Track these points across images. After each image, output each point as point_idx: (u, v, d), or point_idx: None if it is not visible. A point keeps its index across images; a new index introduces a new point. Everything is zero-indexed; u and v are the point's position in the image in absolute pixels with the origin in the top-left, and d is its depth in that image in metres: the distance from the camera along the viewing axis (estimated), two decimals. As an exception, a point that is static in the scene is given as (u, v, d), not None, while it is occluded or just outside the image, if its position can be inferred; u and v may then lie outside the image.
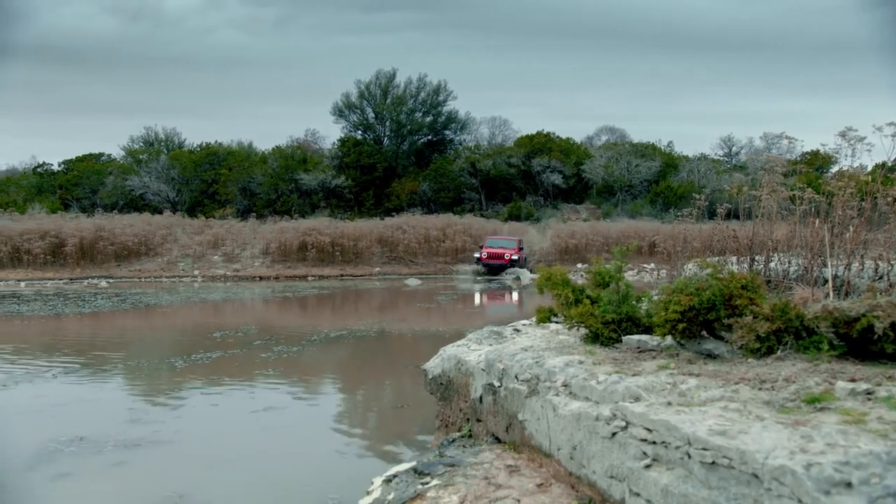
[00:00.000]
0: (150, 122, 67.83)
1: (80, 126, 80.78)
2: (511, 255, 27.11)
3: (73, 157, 44.39)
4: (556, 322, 4.45)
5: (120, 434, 4.75)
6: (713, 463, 1.86)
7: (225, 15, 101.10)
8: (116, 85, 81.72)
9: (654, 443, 2.15)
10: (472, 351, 4.14)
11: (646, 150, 40.02)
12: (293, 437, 4.86)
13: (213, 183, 38.65)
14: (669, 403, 2.29)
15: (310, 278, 24.89)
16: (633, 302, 3.68)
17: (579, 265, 24.18)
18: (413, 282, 23.10)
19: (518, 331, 4.44)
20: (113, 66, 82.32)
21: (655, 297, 3.64)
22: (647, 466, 2.13)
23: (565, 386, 2.87)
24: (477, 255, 27.48)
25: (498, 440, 3.41)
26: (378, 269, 26.58)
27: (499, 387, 3.39)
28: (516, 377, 3.24)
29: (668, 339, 3.19)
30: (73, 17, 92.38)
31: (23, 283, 21.90)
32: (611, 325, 3.53)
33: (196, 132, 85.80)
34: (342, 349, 9.65)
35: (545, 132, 42.18)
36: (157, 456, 4.35)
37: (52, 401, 5.93)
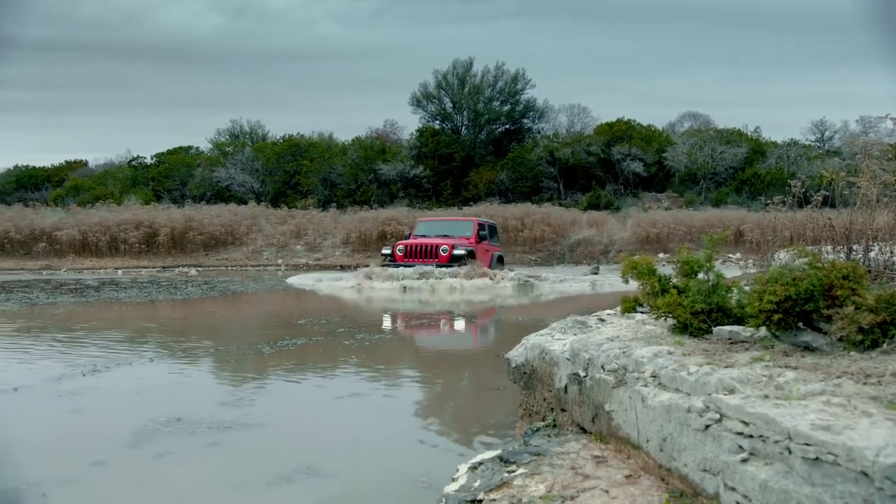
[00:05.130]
0: (236, 115, 70.12)
1: (171, 120, 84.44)
2: (455, 250, 15.68)
3: (164, 151, 46.35)
4: (642, 312, 4.37)
5: (213, 416, 4.94)
6: (816, 459, 1.79)
7: (325, 8, 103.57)
8: (211, 80, 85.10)
9: (750, 436, 2.08)
10: (555, 340, 4.11)
11: (731, 136, 38.72)
12: (378, 423, 4.94)
13: (295, 174, 39.63)
14: (766, 396, 2.22)
15: (389, 267, 25.22)
16: (723, 292, 3.58)
17: (661, 255, 23.68)
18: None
19: (603, 321, 4.39)
20: (211, 61, 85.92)
21: (747, 288, 3.53)
22: (744, 461, 2.07)
23: (654, 377, 2.82)
24: (388, 250, 16.96)
25: (583, 430, 3.38)
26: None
27: (584, 377, 3.36)
28: (602, 367, 3.20)
29: (762, 331, 3.08)
30: (182, 16, 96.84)
31: (120, 272, 23.05)
32: (700, 315, 3.43)
33: (279, 124, 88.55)
34: (422, 337, 9.75)
35: (625, 119, 41.42)
36: (251, 437, 4.51)
37: (150, 383, 6.22)
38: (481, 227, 17.66)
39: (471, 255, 15.99)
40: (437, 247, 15.81)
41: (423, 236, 17.01)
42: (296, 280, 18.58)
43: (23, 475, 3.70)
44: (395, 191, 37.33)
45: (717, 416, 2.27)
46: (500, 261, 18.41)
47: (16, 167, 51.00)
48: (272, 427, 4.78)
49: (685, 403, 2.47)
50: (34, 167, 50.36)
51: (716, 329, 3.31)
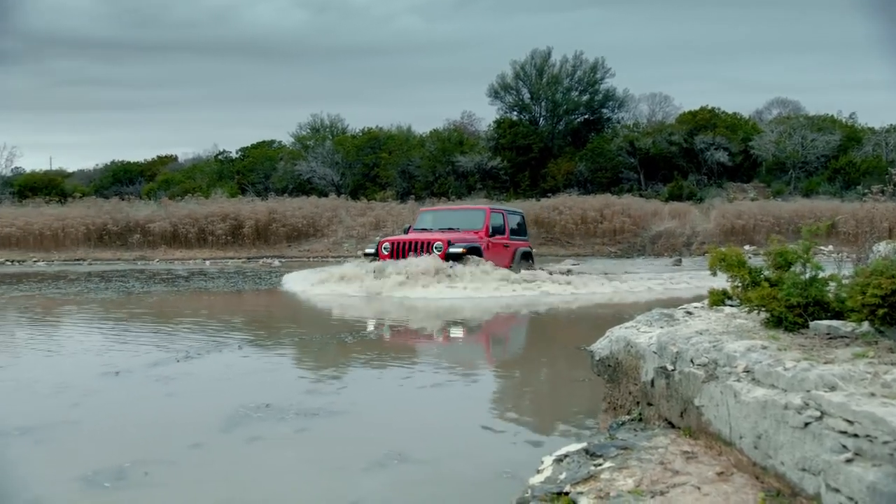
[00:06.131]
0: (317, 109, 71.62)
1: (255, 115, 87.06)
2: (452, 247, 12.99)
3: (249, 145, 47.75)
4: (731, 305, 4.25)
5: (300, 403, 5.08)
6: (931, 460, 1.71)
7: (406, 1, 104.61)
8: (293, 75, 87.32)
9: (855, 436, 2.00)
10: (641, 333, 4.04)
11: (823, 123, 36.97)
12: (462, 413, 4.99)
13: (374, 166, 40.18)
14: (872, 394, 2.13)
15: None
16: (820, 285, 3.44)
17: (746, 247, 22.89)
18: (568, 263, 22.84)
19: (690, 313, 4.29)
20: (293, 57, 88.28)
21: (846, 281, 3.39)
22: (849, 461, 1.99)
23: (747, 372, 2.74)
24: (372, 248, 14.13)
25: (671, 425, 3.31)
26: (534, 249, 26.58)
27: (672, 370, 3.29)
28: (692, 361, 3.13)
29: (865, 326, 2.95)
30: (268, 14, 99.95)
31: (208, 262, 23.97)
32: (796, 308, 3.31)
33: (358, 117, 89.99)
34: (500, 329, 9.76)
35: (709, 107, 40.13)
36: (339, 424, 4.62)
37: (239, 370, 6.44)
38: (495, 217, 14.71)
39: (474, 251, 13.28)
40: (430, 244, 13.09)
41: (423, 230, 14.66)
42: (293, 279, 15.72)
43: (126, 453, 3.91)
44: (473, 182, 37.32)
45: (818, 413, 2.19)
46: (527, 257, 15.67)
47: (112, 163, 53.59)
48: (358, 415, 4.88)
49: (782, 400, 2.39)
50: (129, 162, 52.79)
51: (813, 323, 3.18)
